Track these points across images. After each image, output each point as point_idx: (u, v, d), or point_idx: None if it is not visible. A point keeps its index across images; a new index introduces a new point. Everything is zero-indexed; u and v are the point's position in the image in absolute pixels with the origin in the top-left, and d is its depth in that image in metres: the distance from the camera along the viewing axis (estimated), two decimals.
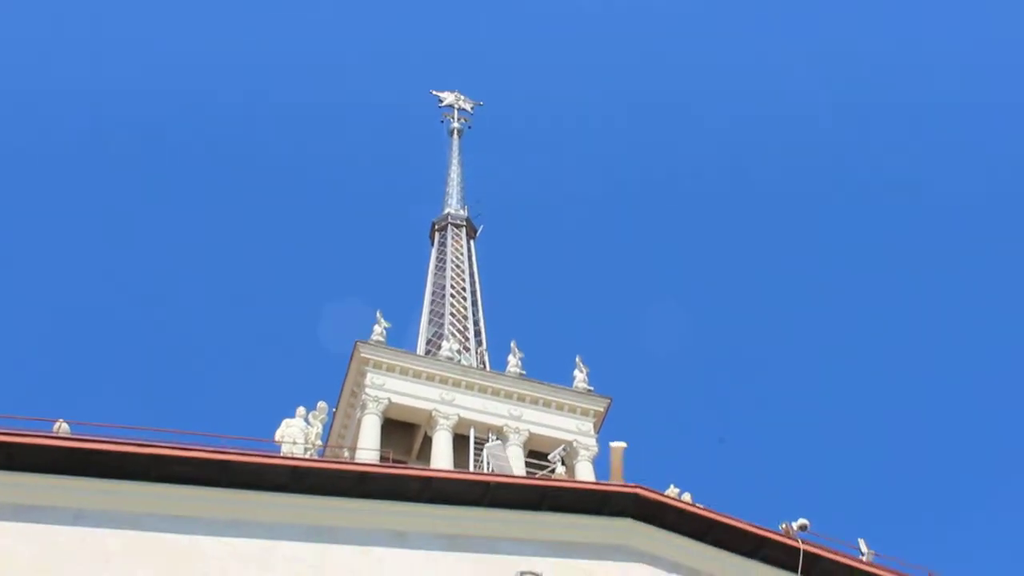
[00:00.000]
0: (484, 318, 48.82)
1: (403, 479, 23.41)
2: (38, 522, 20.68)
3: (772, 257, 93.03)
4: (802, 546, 24.95)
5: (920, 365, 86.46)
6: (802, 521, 25.72)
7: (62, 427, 23.27)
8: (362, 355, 40.08)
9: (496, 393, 40.63)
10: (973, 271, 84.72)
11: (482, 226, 54.56)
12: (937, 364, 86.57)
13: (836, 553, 25.45)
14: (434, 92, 62.40)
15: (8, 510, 20.64)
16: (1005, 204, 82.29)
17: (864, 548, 26.68)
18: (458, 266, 51.01)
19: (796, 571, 24.81)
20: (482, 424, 39.38)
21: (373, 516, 22.72)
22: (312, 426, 31.99)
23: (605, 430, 42.35)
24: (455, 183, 56.58)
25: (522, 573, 22.82)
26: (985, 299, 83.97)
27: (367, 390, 39.32)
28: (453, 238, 52.88)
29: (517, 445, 38.43)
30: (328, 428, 39.31)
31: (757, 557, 24.89)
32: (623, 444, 30.18)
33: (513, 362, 42.86)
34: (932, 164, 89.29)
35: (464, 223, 54.00)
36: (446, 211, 54.50)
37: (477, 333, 47.43)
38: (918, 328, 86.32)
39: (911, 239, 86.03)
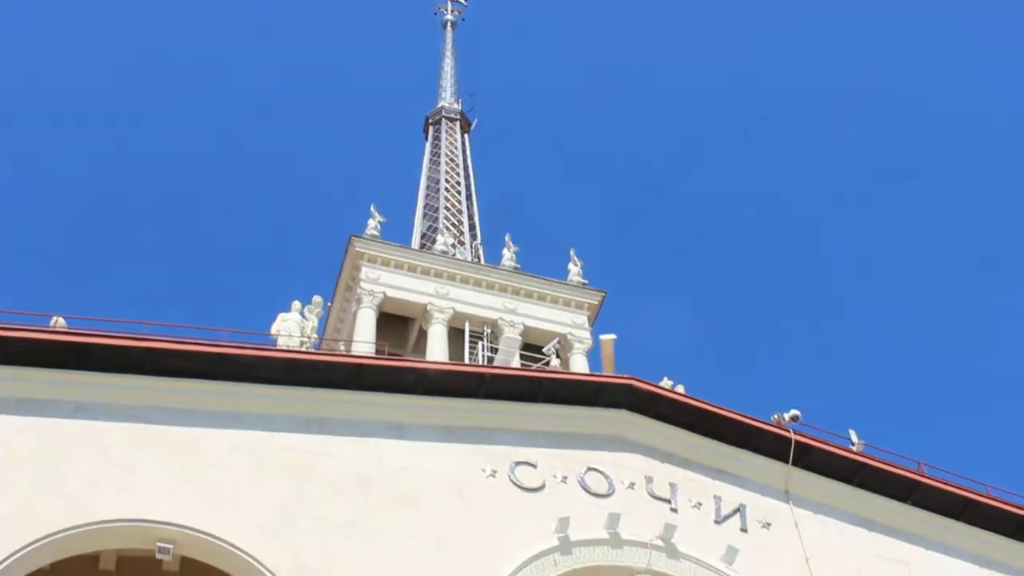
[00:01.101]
0: (479, 212, 48.80)
1: (399, 371, 23.63)
2: (38, 415, 20.89)
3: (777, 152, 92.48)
4: (793, 436, 25.33)
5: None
6: (794, 412, 26.02)
7: (59, 322, 23.37)
8: (357, 249, 40.10)
9: (491, 286, 40.76)
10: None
11: (476, 120, 54.16)
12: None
13: (826, 443, 25.83)
14: None
15: (9, 403, 20.83)
16: None
17: (855, 439, 27.03)
18: (452, 160, 50.79)
19: (787, 461, 25.20)
20: (477, 317, 39.57)
21: (369, 408, 22.97)
22: (307, 320, 32.19)
23: (599, 323, 42.63)
24: (449, 76, 55.98)
25: (517, 463, 23.21)
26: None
27: (362, 284, 39.42)
28: (447, 132, 52.54)
29: (512, 338, 38.67)
30: (323, 322, 39.53)
31: (749, 447, 25.25)
32: (613, 336, 30.49)
33: (508, 256, 42.93)
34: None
35: (458, 117, 53.59)
36: (440, 104, 54.00)
37: (472, 227, 47.43)
38: None
39: None
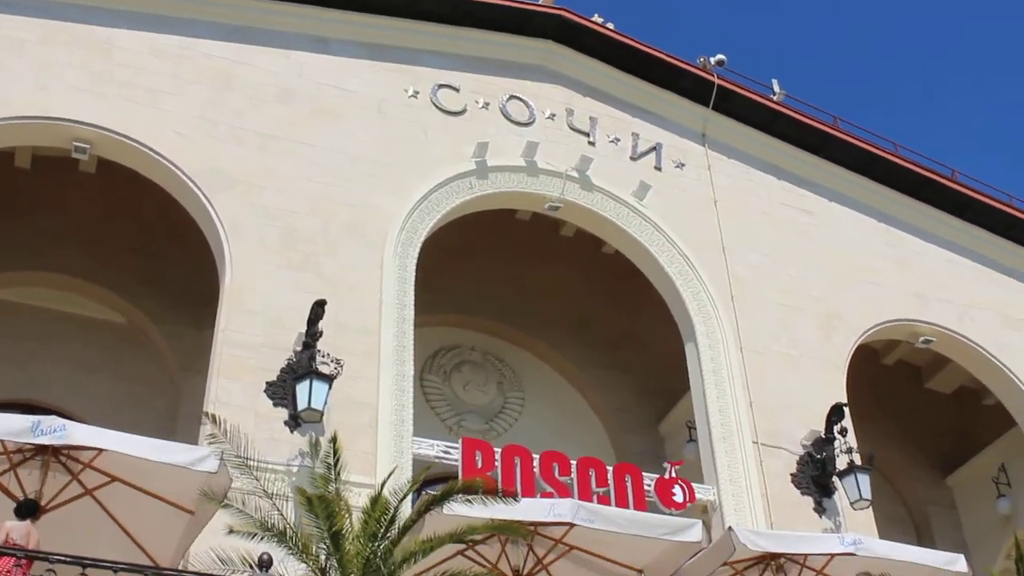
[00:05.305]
0: None
1: None
2: None
3: None
4: (716, 80, 25.49)
5: None
6: (719, 57, 26.07)
7: None
8: None
9: None
10: None
11: None
12: None
13: (747, 90, 26.08)
14: None
15: None
16: None
17: (776, 88, 27.24)
18: None
19: (708, 104, 25.47)
20: None
21: (294, 19, 22.33)
22: None
23: None
24: None
25: (440, 85, 23.07)
26: None
27: None
28: None
29: None
30: None
31: (671, 87, 25.38)
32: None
33: None
34: None
35: None
36: None
37: None
38: None
39: None
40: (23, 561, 11.89)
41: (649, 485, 20.52)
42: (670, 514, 19.39)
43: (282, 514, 13.84)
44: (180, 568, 13.23)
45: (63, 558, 11.58)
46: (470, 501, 13.91)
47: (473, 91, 23.37)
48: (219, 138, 20.55)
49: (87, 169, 21.82)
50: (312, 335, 18.35)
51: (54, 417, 12.89)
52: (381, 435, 18.36)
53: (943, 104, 68.96)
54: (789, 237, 25.01)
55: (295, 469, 17.13)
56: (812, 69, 68.60)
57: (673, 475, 20.82)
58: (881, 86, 69.84)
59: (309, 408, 17.62)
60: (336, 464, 14.40)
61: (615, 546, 16.10)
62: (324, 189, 20.75)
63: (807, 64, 69.03)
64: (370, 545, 13.29)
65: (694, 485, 20.81)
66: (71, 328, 22.65)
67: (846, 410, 22.04)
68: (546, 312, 25.85)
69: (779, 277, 24.21)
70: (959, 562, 16.96)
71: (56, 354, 22.11)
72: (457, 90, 23.23)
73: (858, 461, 21.44)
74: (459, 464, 19.39)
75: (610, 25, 26.52)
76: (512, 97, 23.73)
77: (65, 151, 20.21)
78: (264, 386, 18.11)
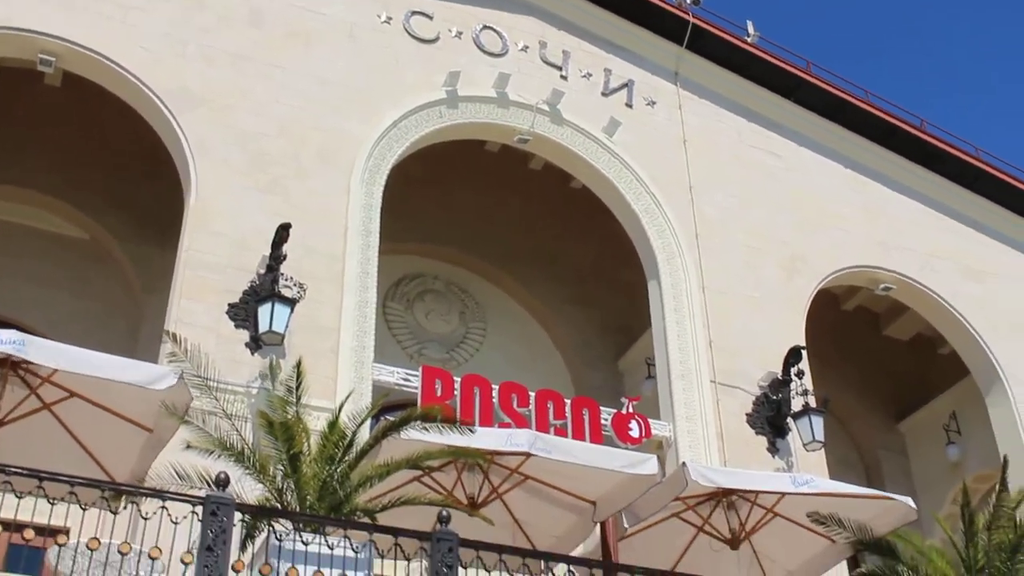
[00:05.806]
0: None
1: None
2: None
3: None
4: (691, 19, 25.39)
5: None
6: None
7: None
8: None
9: None
10: None
11: None
12: None
13: (722, 30, 25.99)
14: None
15: None
16: None
17: (751, 30, 27.17)
18: None
19: (682, 43, 25.39)
20: None
21: None
22: None
23: None
24: None
25: (413, 12, 22.85)
26: None
27: None
28: None
29: None
30: None
31: (646, 24, 25.22)
32: None
33: None
34: None
35: None
36: None
37: None
38: None
39: None
40: None
41: (606, 419, 20.74)
42: (626, 448, 19.61)
43: (240, 434, 13.90)
44: (136, 484, 13.24)
45: (19, 471, 11.54)
46: (427, 428, 14.01)
47: (446, 19, 23.14)
48: (188, 57, 20.30)
49: (52, 83, 21.51)
50: (276, 258, 18.30)
51: (13, 331, 12.80)
52: (342, 360, 18.42)
53: (921, 49, 69.00)
54: (757, 179, 25.08)
55: (255, 391, 17.18)
56: (788, 13, 68.32)
57: (630, 410, 21.05)
58: (857, 32, 69.73)
59: (270, 331, 17.64)
60: (299, 387, 14.45)
61: (570, 478, 16.24)
62: (293, 112, 20.58)
63: (783, 7, 68.69)
64: (327, 468, 13.39)
65: (650, 421, 21.04)
66: (36, 243, 22.50)
67: (804, 353, 22.26)
68: (512, 244, 25.89)
69: (746, 219, 24.31)
70: (908, 503, 17.17)
71: (20, 269, 21.96)
72: (430, 17, 23.00)
73: (813, 403, 21.71)
74: (419, 392, 19.51)
75: None
76: (485, 27, 23.52)
77: (30, 63, 19.91)
78: (226, 308, 18.10)
